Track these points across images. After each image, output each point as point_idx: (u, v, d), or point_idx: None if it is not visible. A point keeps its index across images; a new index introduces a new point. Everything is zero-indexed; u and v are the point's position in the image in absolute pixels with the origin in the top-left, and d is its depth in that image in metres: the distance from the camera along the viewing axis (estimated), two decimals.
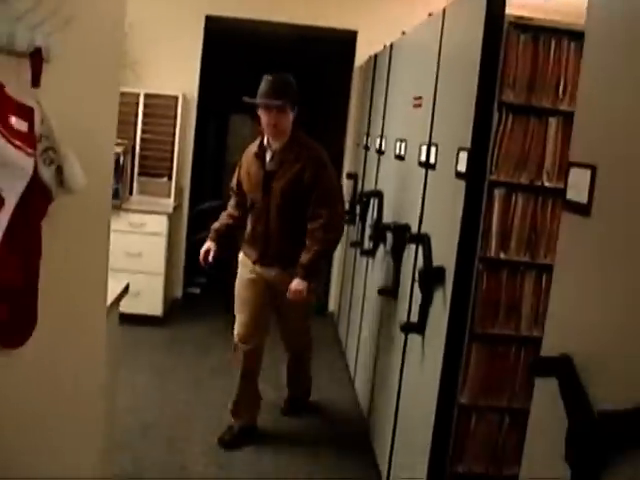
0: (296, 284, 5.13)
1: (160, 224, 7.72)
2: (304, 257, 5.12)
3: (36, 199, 1.95)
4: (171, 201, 8.09)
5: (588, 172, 2.08)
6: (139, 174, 8.10)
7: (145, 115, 8.03)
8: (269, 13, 8.25)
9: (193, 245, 8.59)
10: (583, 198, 2.11)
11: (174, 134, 8.12)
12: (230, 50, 10.02)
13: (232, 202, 5.66)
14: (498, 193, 3.47)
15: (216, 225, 5.63)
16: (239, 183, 5.52)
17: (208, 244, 5.57)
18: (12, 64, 1.82)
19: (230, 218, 5.64)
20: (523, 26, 3.41)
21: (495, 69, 3.37)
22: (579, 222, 2.15)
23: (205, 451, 5.18)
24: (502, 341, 3.61)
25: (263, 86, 5.15)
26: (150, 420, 5.58)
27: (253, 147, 5.40)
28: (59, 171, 2.08)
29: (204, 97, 8.58)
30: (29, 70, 1.92)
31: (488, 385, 3.66)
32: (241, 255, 5.52)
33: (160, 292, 7.86)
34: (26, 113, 1.85)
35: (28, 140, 1.84)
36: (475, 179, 3.41)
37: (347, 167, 8.39)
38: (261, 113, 5.12)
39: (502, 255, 3.53)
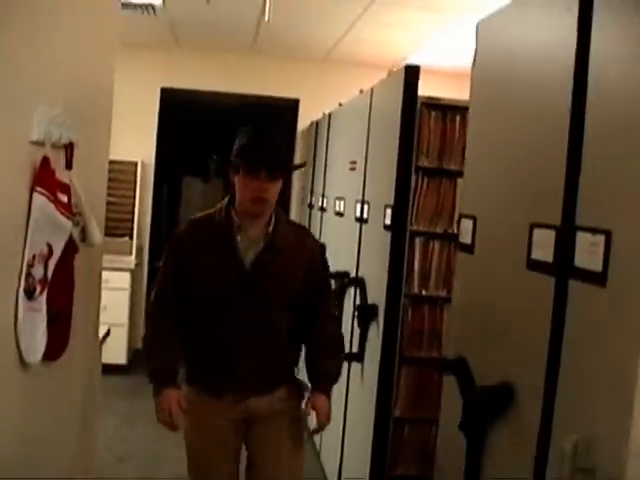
0: (325, 403, 3.58)
1: (123, 280, 8.38)
2: (330, 364, 3.64)
3: (70, 250, 2.68)
4: (132, 258, 8.76)
5: (471, 221, 2.85)
6: (104, 234, 8.75)
7: (108, 180, 8.71)
8: (219, 84, 9.03)
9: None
10: (469, 240, 2.87)
11: (134, 197, 8.83)
12: (182, 117, 10.78)
13: (167, 322, 3.55)
14: (418, 241, 4.29)
15: (167, 366, 3.51)
16: (181, 284, 3.51)
17: (171, 396, 3.47)
18: (54, 154, 2.55)
19: (176, 347, 3.56)
20: (433, 104, 4.23)
21: (411, 139, 4.16)
22: (467, 259, 2.92)
23: (174, 477, 5.78)
24: (427, 363, 4.36)
25: (247, 143, 3.48)
26: (122, 454, 6.20)
27: (206, 223, 3.59)
28: (83, 230, 2.84)
29: (159, 161, 9.32)
30: (63, 158, 2.67)
31: (417, 400, 4.41)
32: (184, 398, 3.53)
33: (124, 342, 8.49)
34: (66, 189, 2.59)
35: (67, 208, 2.57)
36: (399, 230, 4.20)
37: (293, 216, 9.09)
38: (241, 180, 3.42)
39: (424, 292, 4.35)
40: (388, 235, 4.26)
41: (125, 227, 8.80)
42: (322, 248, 3.79)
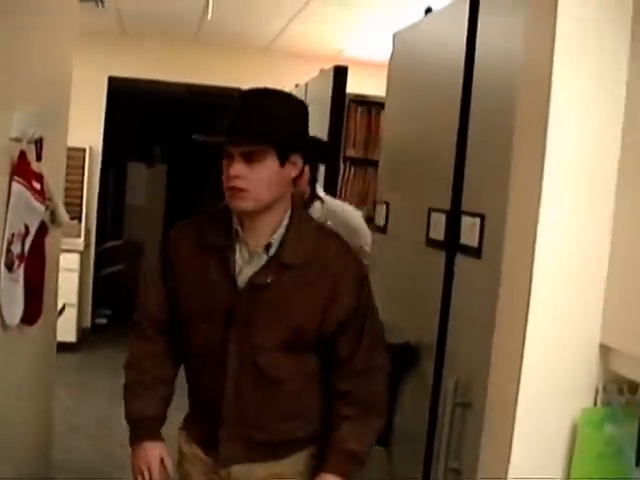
0: None
1: (73, 261, 8.72)
2: (357, 440, 2.55)
3: (42, 230, 3.15)
4: (81, 241, 9.13)
5: (384, 206, 3.34)
6: None
7: None
8: (164, 74, 9.39)
9: (100, 280, 9.71)
10: (382, 223, 3.36)
11: (82, 182, 9.20)
12: (128, 104, 11.11)
13: (150, 355, 2.75)
14: None
15: (148, 411, 2.72)
16: (168, 306, 2.68)
17: (149, 452, 2.69)
18: (28, 148, 3.01)
19: (165, 386, 2.75)
20: (360, 101, 4.72)
21: (340, 132, 4.64)
22: (381, 239, 3.41)
23: (125, 444, 6.19)
24: None
25: (229, 111, 2.46)
26: (76, 424, 6.59)
27: (204, 227, 2.61)
28: (52, 213, 3.30)
29: (106, 147, 9.69)
30: (34, 151, 3.12)
31: None
32: (183, 442, 2.76)
33: (74, 321, 8.85)
34: (39, 178, 3.05)
35: (41, 194, 3.04)
36: None
37: None
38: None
39: None
40: None
41: (74, 210, 9.14)
42: (360, 271, 2.59)
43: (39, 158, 3.11)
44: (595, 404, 2.06)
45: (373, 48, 8.27)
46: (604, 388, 2.05)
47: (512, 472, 2.07)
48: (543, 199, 1.97)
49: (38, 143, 3.11)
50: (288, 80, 6.98)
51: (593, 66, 2.00)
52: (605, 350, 2.03)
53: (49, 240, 3.41)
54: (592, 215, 2.00)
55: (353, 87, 4.85)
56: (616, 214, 1.98)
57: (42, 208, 3.04)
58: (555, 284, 2.01)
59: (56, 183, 3.71)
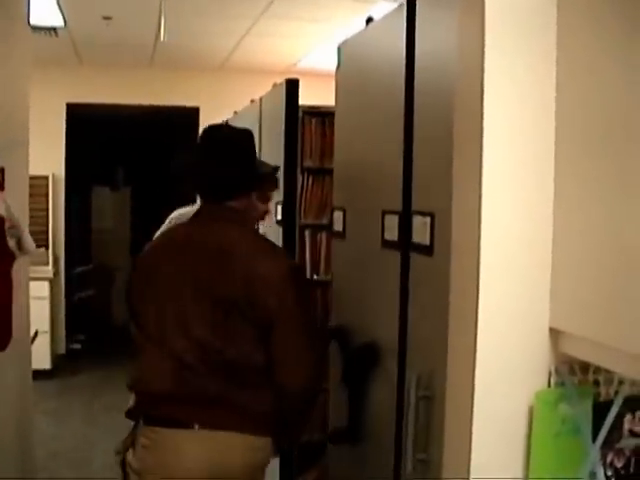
0: None
1: (43, 289, 8.77)
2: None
3: (7, 256, 3.22)
4: (50, 268, 9.16)
5: (341, 212, 3.42)
6: None
7: None
8: (122, 97, 9.46)
9: (72, 306, 9.74)
10: (340, 229, 3.44)
11: (47, 209, 9.23)
12: (88, 129, 11.14)
13: None
14: (308, 232, 4.87)
15: None
16: None
17: None
18: None
19: None
20: (314, 112, 4.81)
21: (296, 143, 4.73)
22: (340, 244, 3.49)
23: (105, 466, 6.20)
24: None
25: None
26: (56, 450, 6.62)
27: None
28: (18, 241, 3.36)
29: (69, 173, 9.73)
30: None
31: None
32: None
33: (47, 348, 8.89)
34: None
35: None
36: (289, 224, 4.77)
37: None
38: (260, 197, 3.30)
39: (315, 277, 4.90)
40: (280, 229, 4.82)
41: (41, 238, 9.17)
42: None
43: (1, 187, 3.18)
44: (549, 386, 2.13)
45: (327, 58, 8.37)
46: (556, 370, 2.11)
47: (474, 457, 2.12)
48: (484, 191, 2.03)
49: (0, 173, 3.19)
50: (244, 96, 7.07)
51: (524, 61, 2.05)
52: (555, 333, 2.09)
53: (16, 267, 3.47)
54: (533, 201, 2.04)
55: (310, 98, 4.92)
56: (557, 196, 2.05)
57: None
58: (502, 274, 2.08)
59: (20, 211, 3.77)
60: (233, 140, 3.26)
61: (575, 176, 2.00)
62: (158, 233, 3.98)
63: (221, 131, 3.43)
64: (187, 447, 2.90)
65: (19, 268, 3.78)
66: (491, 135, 2.05)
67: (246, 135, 3.32)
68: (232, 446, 2.94)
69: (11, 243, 3.24)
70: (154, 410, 3.01)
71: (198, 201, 3.32)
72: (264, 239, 3.34)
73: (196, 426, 2.91)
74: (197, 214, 3.23)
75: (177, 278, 3.04)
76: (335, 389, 3.53)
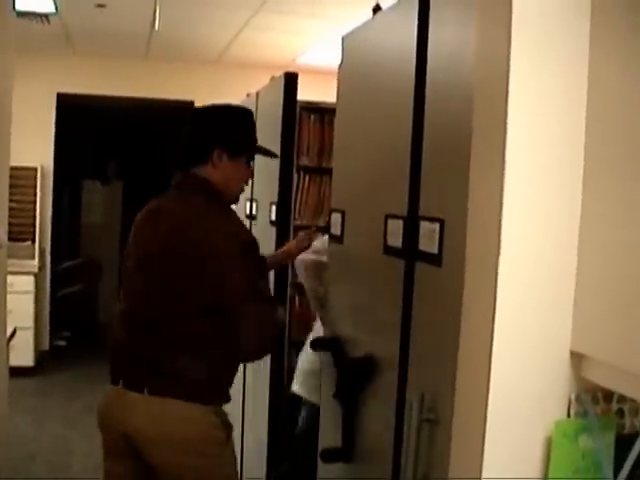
0: None
1: (27, 283, 8.58)
2: None
3: None
4: (36, 262, 8.95)
5: (340, 215, 3.21)
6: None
7: (9, 186, 8.91)
8: (115, 89, 9.27)
9: (57, 301, 9.53)
10: (339, 232, 3.23)
11: (35, 202, 9.02)
12: (79, 121, 10.95)
13: None
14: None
15: None
16: None
17: None
18: None
19: None
20: (312, 108, 4.59)
21: (292, 140, 4.52)
22: (337, 248, 3.28)
23: (86, 470, 6.04)
24: None
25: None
26: (34, 451, 6.42)
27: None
28: None
29: (58, 165, 9.51)
30: None
31: None
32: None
33: (31, 344, 8.68)
34: None
35: None
36: (283, 225, 4.55)
37: None
38: (227, 162, 3.31)
39: None
40: (274, 230, 4.60)
41: (27, 232, 8.98)
42: None
43: None
44: (568, 415, 1.94)
45: (327, 55, 8.21)
46: (577, 398, 1.94)
47: None
48: (505, 201, 1.85)
49: None
50: (240, 91, 6.89)
51: (552, 59, 1.88)
52: (577, 358, 1.92)
53: None
54: (559, 216, 1.88)
55: (307, 96, 4.74)
56: (583, 214, 1.87)
57: None
58: (521, 290, 1.90)
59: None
60: (206, 112, 3.47)
61: (603, 192, 1.83)
62: None
63: (201, 108, 3.57)
64: (137, 409, 3.12)
65: None
66: (515, 139, 1.86)
67: (226, 109, 3.49)
68: (167, 413, 3.10)
69: None
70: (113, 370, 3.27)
71: None
72: (222, 214, 3.32)
73: (145, 390, 3.09)
74: (172, 184, 3.41)
75: (136, 248, 3.32)
76: (327, 404, 3.33)
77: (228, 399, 3.33)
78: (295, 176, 4.57)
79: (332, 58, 8.32)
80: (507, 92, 1.86)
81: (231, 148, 3.32)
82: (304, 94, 4.69)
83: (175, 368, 3.10)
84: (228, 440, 3.27)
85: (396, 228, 2.62)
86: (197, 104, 9.39)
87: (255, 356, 3.53)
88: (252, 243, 3.28)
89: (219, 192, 3.30)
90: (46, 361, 9.26)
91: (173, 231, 3.19)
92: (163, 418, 3.11)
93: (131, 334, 3.22)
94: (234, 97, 7.07)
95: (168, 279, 3.15)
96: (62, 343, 10.12)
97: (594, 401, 1.95)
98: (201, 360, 3.13)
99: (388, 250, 2.69)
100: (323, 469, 3.30)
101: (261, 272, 3.43)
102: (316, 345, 3.35)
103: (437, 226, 2.32)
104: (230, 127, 3.41)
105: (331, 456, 3.08)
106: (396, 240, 2.62)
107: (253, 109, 5.31)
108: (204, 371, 3.13)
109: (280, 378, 4.72)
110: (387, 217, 2.69)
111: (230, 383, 3.34)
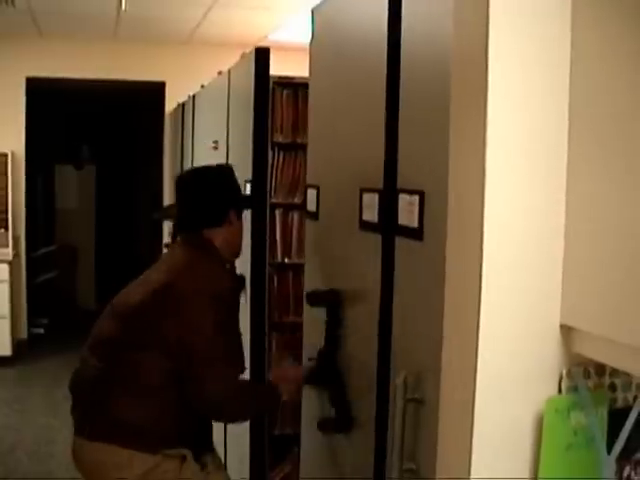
0: None
1: (2, 271, 8.46)
2: None
3: None
4: (9, 250, 8.82)
5: (315, 191, 3.12)
6: None
7: None
8: (85, 72, 9.12)
9: (33, 289, 9.41)
10: (314, 208, 3.14)
11: (7, 188, 8.88)
12: (50, 105, 10.81)
13: None
14: (278, 212, 4.54)
15: None
16: None
17: None
18: None
19: None
20: (285, 83, 4.49)
21: (266, 117, 4.41)
22: (313, 225, 3.19)
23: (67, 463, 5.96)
24: (295, 327, 4.62)
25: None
26: (15, 442, 6.33)
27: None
28: None
29: (30, 150, 9.37)
30: None
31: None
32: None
33: (7, 334, 8.58)
34: None
35: None
36: (259, 203, 4.44)
37: (167, 200, 9.25)
38: (238, 224, 3.47)
39: (286, 260, 4.59)
40: (249, 209, 4.50)
41: (0, 219, 8.85)
42: None
43: None
44: (560, 391, 1.87)
45: (299, 32, 8.09)
46: (568, 372, 1.87)
47: (474, 471, 1.87)
48: (488, 169, 1.76)
49: None
50: (211, 70, 6.79)
51: (534, 27, 1.79)
52: (567, 331, 1.85)
53: None
54: (544, 185, 1.80)
55: (279, 71, 4.64)
56: (570, 183, 1.79)
57: None
58: (508, 263, 1.82)
59: None
60: (213, 175, 3.55)
61: (589, 163, 1.76)
62: None
63: (187, 176, 3.76)
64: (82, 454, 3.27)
65: None
66: (496, 105, 1.78)
67: (226, 170, 3.62)
68: (100, 460, 3.14)
69: None
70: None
71: None
72: (207, 261, 3.31)
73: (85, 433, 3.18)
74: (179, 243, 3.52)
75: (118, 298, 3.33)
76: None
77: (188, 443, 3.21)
78: (270, 153, 4.46)
79: (305, 34, 8.23)
80: (487, 58, 1.77)
81: (239, 207, 3.46)
82: (277, 71, 4.59)
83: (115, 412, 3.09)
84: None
85: (371, 202, 2.53)
86: (168, 85, 9.32)
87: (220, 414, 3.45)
88: (227, 296, 3.29)
89: (225, 249, 3.39)
90: (24, 350, 9.16)
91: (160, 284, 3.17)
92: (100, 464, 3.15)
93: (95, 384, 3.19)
94: (206, 76, 6.98)
95: (137, 325, 3.13)
96: (40, 331, 10.01)
97: (586, 375, 1.89)
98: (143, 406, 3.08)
99: (364, 225, 2.60)
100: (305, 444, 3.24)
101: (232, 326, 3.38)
102: (311, 299, 3.17)
103: (416, 198, 2.23)
104: (237, 187, 3.53)
105: (328, 426, 2.97)
106: (372, 214, 2.53)
107: (225, 88, 5.23)
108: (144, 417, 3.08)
109: (261, 363, 4.62)
110: (362, 191, 2.60)
111: (184, 431, 3.20)
